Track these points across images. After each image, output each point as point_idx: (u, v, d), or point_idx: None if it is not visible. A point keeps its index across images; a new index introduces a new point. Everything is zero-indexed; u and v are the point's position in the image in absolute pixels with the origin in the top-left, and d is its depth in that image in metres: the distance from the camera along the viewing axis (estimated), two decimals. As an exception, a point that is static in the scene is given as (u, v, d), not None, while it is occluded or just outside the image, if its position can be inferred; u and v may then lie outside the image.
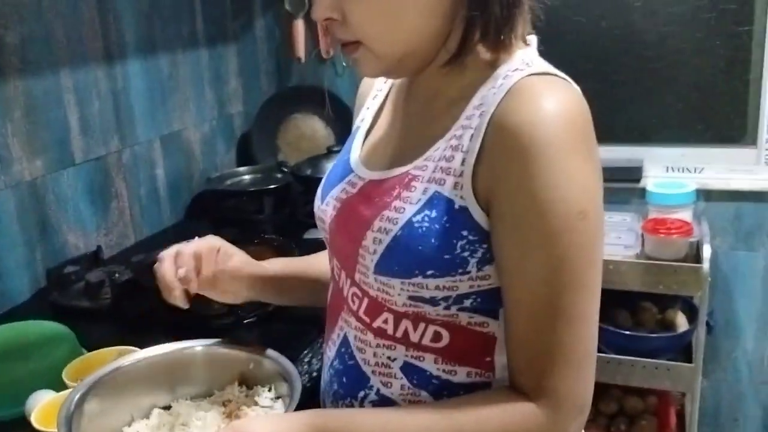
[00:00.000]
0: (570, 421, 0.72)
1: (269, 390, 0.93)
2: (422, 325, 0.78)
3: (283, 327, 1.34)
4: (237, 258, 0.96)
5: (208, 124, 2.07)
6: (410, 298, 0.77)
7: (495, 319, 0.78)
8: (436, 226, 0.73)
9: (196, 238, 0.95)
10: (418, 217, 0.74)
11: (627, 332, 1.82)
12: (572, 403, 0.72)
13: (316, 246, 1.61)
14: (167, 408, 0.93)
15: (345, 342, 0.86)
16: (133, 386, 0.93)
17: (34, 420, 0.99)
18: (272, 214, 1.86)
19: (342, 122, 2.14)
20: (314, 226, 1.81)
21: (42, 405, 1.02)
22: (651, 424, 1.91)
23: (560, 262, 0.70)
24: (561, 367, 0.71)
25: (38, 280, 1.50)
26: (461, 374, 0.79)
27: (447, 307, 0.76)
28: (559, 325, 0.71)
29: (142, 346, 1.14)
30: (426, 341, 0.79)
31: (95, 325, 1.34)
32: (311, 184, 1.84)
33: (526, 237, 0.70)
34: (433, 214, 0.74)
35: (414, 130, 0.83)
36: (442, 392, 0.79)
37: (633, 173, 2.00)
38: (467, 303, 0.76)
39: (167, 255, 0.93)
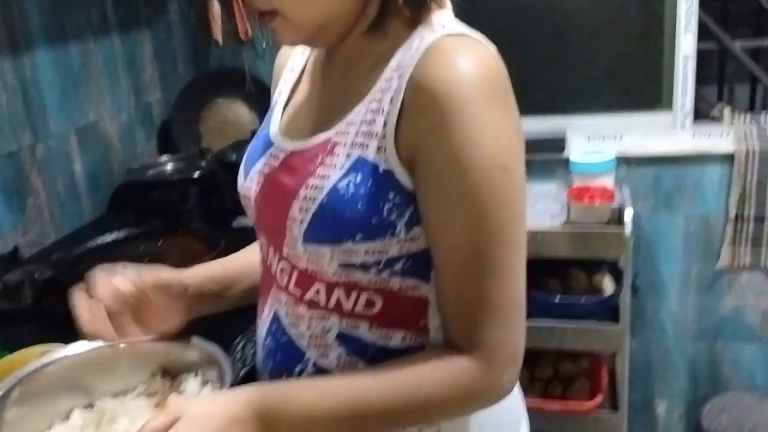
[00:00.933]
0: (503, 371, 0.74)
1: (195, 376, 0.91)
2: (354, 293, 0.78)
3: (214, 316, 1.31)
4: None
5: (126, 113, 2.00)
6: (341, 265, 0.76)
7: (427, 282, 0.78)
8: (362, 190, 0.73)
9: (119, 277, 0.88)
10: (343, 183, 0.74)
11: (557, 298, 1.87)
12: (504, 354, 0.73)
13: (245, 234, 1.59)
14: (89, 407, 0.90)
15: (276, 319, 0.85)
16: (51, 389, 0.89)
17: None
18: (198, 204, 1.81)
19: (266, 105, 2.09)
20: (243, 213, 1.79)
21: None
22: (585, 385, 1.97)
23: (482, 217, 0.71)
24: (490, 319, 0.72)
25: (-48, 285, 1.43)
26: (396, 339, 0.80)
27: (378, 272, 0.76)
28: (485, 278, 0.72)
29: (68, 343, 1.11)
30: (359, 309, 0.79)
31: (17, 327, 1.29)
32: (237, 170, 1.80)
33: (448, 194, 0.71)
34: (358, 178, 0.74)
35: (334, 97, 0.82)
36: (379, 359, 0.79)
37: (556, 144, 2.04)
38: (398, 266, 0.76)
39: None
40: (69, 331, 1.17)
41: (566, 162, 1.97)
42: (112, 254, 1.42)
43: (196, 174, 1.81)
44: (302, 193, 0.77)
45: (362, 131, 0.75)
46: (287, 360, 0.84)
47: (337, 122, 0.78)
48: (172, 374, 0.93)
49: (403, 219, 0.74)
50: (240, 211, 1.69)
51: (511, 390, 0.76)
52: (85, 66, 1.83)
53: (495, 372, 0.73)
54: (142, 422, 0.72)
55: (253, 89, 2.09)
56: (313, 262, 0.78)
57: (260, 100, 2.10)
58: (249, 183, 0.87)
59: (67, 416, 0.89)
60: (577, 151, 1.97)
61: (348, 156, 0.75)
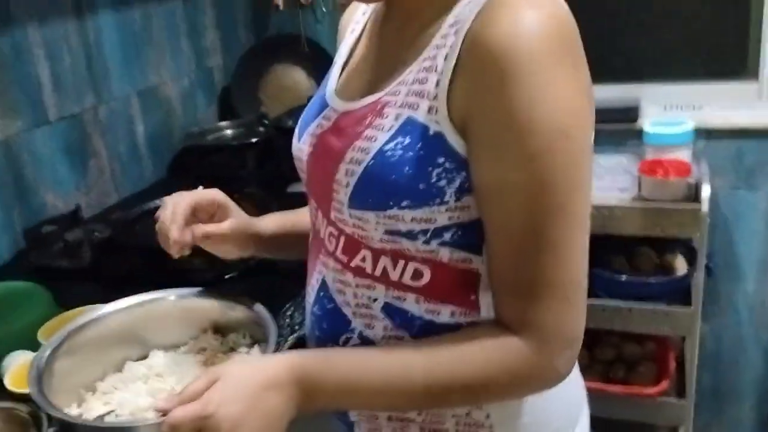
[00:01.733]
0: (556, 354, 0.69)
1: (244, 337, 0.91)
2: (401, 262, 0.74)
3: (265, 281, 1.30)
4: (233, 218, 0.94)
5: (187, 78, 2.00)
6: (387, 232, 0.73)
7: (478, 255, 0.73)
8: (410, 153, 0.69)
9: (201, 188, 0.93)
10: (390, 145, 0.70)
11: (623, 277, 1.78)
12: (559, 336, 0.68)
13: (300, 200, 1.58)
14: (143, 359, 0.91)
15: (324, 286, 0.82)
16: (103, 340, 0.90)
17: (8, 382, 0.98)
18: (255, 169, 1.81)
19: (324, 71, 2.07)
20: (298, 179, 1.78)
21: (16, 366, 1.01)
22: (649, 369, 1.88)
23: (540, 186, 0.65)
24: (545, 298, 0.67)
25: (18, 242, 1.47)
26: (445, 314, 0.75)
27: (426, 242, 0.72)
28: (541, 254, 0.67)
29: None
30: (406, 279, 0.75)
31: (75, 285, 1.32)
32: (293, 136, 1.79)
33: (504, 160, 0.65)
34: (407, 141, 0.69)
35: (388, 57, 0.78)
36: (426, 334, 0.75)
37: (629, 113, 1.94)
38: (447, 237, 0.72)
39: (168, 201, 0.90)
40: (125, 291, 1.20)
41: (639, 133, 1.87)
42: (167, 216, 1.43)
43: (254, 140, 1.81)
44: (349, 155, 0.73)
45: (413, 91, 0.70)
46: (333, 328, 0.81)
47: (389, 82, 0.74)
48: (222, 332, 0.93)
49: (452, 186, 0.69)
50: (295, 177, 1.70)
51: (566, 375, 0.71)
52: (147, 30, 1.84)
53: (548, 355, 0.68)
54: (189, 381, 0.71)
55: (311, 54, 2.06)
56: (359, 228, 0.75)
57: (318, 65, 2.07)
58: (302, 145, 0.84)
59: (120, 367, 0.90)
60: (651, 121, 1.86)
61: (397, 117, 0.71)
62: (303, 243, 0.97)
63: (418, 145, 0.69)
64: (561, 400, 0.81)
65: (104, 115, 1.70)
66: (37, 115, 1.52)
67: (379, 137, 0.71)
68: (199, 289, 0.97)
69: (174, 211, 0.88)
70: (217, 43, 2.12)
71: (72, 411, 0.81)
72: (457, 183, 0.69)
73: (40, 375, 0.81)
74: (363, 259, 0.77)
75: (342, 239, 0.78)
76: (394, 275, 0.75)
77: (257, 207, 1.40)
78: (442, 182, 0.69)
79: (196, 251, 1.29)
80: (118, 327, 0.92)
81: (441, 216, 0.70)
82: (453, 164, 0.69)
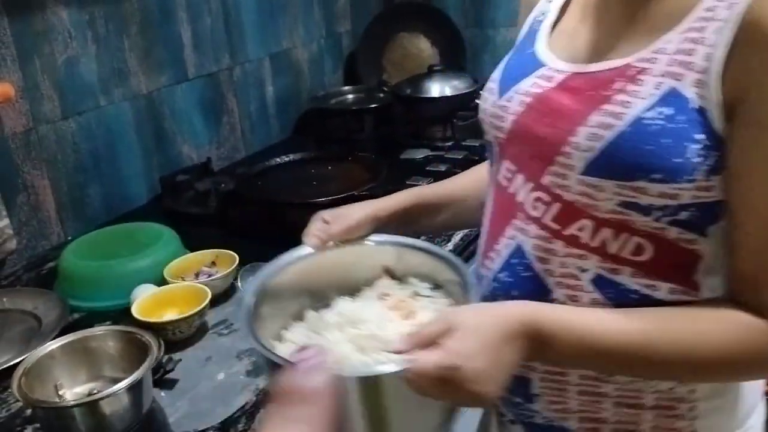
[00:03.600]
0: None
1: (421, 280, 0.85)
2: (624, 236, 0.72)
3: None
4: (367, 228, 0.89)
5: (316, 43, 2.09)
6: (621, 204, 0.70)
7: (704, 237, 0.71)
8: (670, 125, 0.67)
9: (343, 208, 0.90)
10: (651, 114, 0.68)
11: None
12: None
13: (413, 165, 1.64)
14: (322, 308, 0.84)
15: (518, 252, 0.79)
16: (285, 290, 0.85)
17: (135, 310, 1.08)
18: (372, 133, 1.88)
19: (447, 40, 2.10)
20: (413, 146, 1.82)
21: (143, 298, 1.12)
22: None
23: None
24: None
25: (155, 187, 1.62)
26: (663, 290, 0.73)
27: (658, 219, 0.70)
28: None
29: (239, 251, 1.22)
30: (626, 253, 0.72)
31: (201, 230, 1.44)
32: (411, 103, 1.85)
33: None
34: (668, 111, 0.68)
35: (624, 20, 0.76)
36: (632, 305, 0.73)
37: None
38: (682, 215, 0.70)
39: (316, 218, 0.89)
40: (243, 241, 1.31)
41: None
42: (286, 173, 1.54)
43: (373, 105, 1.88)
44: (594, 118, 0.71)
45: (677, 61, 0.69)
46: (527, 297, 0.76)
47: (636, 48, 0.72)
48: (397, 277, 0.88)
49: (705, 165, 0.67)
50: (411, 144, 1.76)
51: None
52: (283, -5, 1.94)
53: None
54: (391, 325, 0.72)
55: (436, 23, 2.08)
56: (586, 196, 0.72)
57: (443, 34, 2.09)
58: (506, 102, 0.81)
59: (298, 316, 0.84)
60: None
61: (658, 86, 0.69)
62: (447, 212, 0.97)
63: (680, 118, 0.67)
64: (755, 382, 0.82)
65: (238, 76, 1.82)
66: (177, 73, 1.66)
67: (635, 104, 0.69)
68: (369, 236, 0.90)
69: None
70: (347, 9, 2.20)
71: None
72: (710, 162, 0.67)
73: (251, 319, 0.76)
74: (580, 229, 0.74)
75: (556, 206, 0.75)
76: (612, 248, 0.73)
77: (367, 170, 1.47)
78: (696, 159, 0.67)
79: (311, 210, 1.38)
80: (295, 276, 0.86)
81: (685, 194, 0.68)
82: (710, 142, 0.67)
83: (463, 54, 2.10)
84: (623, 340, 0.69)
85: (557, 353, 0.69)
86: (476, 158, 1.69)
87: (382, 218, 0.89)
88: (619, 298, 0.73)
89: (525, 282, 0.78)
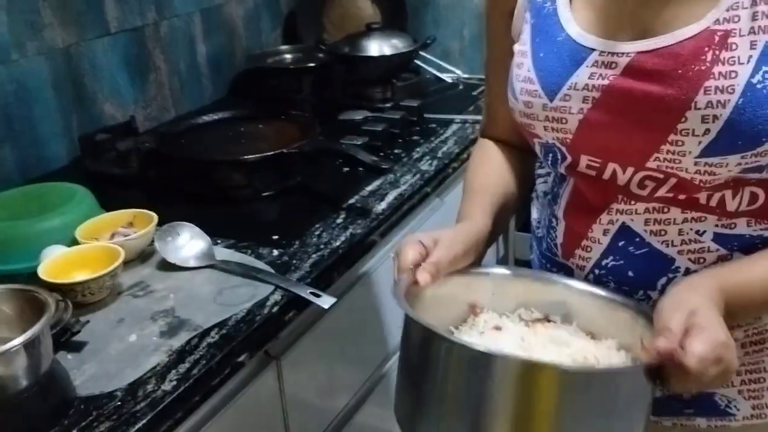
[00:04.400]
0: None
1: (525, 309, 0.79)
2: (741, 191, 0.73)
3: (301, 200, 1.32)
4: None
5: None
6: (743, 171, 0.70)
7: None
8: None
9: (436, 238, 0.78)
10: (758, 77, 0.66)
11: None
12: None
13: (351, 127, 1.59)
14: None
15: (624, 233, 0.77)
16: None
17: (42, 272, 1.01)
18: (311, 94, 1.82)
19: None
20: (352, 107, 1.77)
21: (51, 259, 1.05)
22: None
23: None
24: None
25: (76, 147, 1.53)
26: None
27: None
28: None
29: (161, 212, 1.16)
30: (743, 206, 0.73)
31: (122, 192, 1.37)
32: (350, 63, 1.79)
33: None
34: None
35: None
36: (757, 248, 0.74)
37: None
38: None
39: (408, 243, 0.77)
40: (165, 202, 1.24)
41: None
42: (213, 132, 1.47)
43: (311, 65, 1.82)
44: (702, 99, 0.67)
45: (761, 12, 0.66)
46: (648, 273, 0.77)
47: (701, 10, 0.68)
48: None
49: None
50: (350, 105, 1.71)
51: None
52: (214, -54, 1.84)
53: None
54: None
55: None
56: (705, 174, 0.70)
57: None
58: (562, 102, 0.75)
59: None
60: None
61: (752, 44, 0.66)
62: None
63: None
64: None
65: (165, 31, 1.73)
66: (98, 26, 1.56)
67: (740, 71, 0.66)
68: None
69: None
70: (284, -34, 2.11)
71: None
72: None
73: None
74: (697, 195, 0.73)
75: (668, 183, 0.73)
76: (731, 206, 0.73)
77: (300, 128, 1.42)
78: None
79: (238, 169, 1.33)
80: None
81: None
82: None
83: (403, 13, 2.05)
84: None
85: (735, 316, 0.69)
86: (414, 119, 1.65)
87: (483, 242, 0.81)
88: (742, 246, 0.74)
89: (641, 259, 0.77)
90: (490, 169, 0.92)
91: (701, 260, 0.75)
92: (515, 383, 0.61)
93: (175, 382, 0.85)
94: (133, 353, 0.91)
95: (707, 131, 0.67)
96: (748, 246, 0.75)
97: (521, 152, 0.93)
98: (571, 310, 0.77)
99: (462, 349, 0.64)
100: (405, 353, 0.71)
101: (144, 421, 0.80)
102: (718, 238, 0.74)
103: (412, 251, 0.73)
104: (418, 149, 1.51)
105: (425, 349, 0.67)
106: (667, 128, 0.69)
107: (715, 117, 0.66)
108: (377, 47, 1.76)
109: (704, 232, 0.74)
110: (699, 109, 0.67)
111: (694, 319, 0.62)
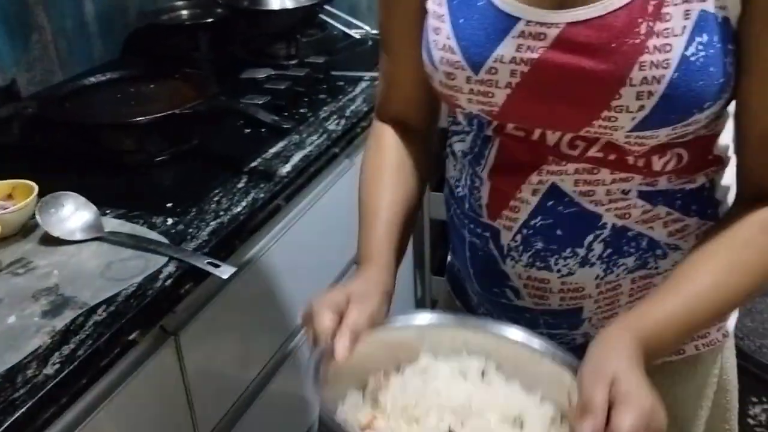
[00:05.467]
0: None
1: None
2: (668, 153, 0.73)
3: (198, 165, 1.25)
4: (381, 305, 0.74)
5: (143, -50, 1.88)
6: (673, 138, 0.71)
7: (719, 118, 0.75)
8: (711, 51, 0.65)
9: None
10: (691, 49, 0.64)
11: None
12: None
13: (254, 85, 1.51)
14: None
15: (553, 192, 0.76)
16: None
17: None
18: (210, 51, 1.73)
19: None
20: (255, 65, 1.69)
21: None
22: None
23: None
24: None
25: (-47, 116, 1.40)
26: (699, 180, 0.78)
27: (698, 130, 0.71)
28: None
29: (44, 182, 1.07)
30: (668, 167, 0.75)
31: (2, 161, 1.25)
32: (250, 17, 1.70)
33: None
34: (704, 38, 0.64)
35: None
36: (686, 203, 0.77)
37: None
38: (717, 115, 0.72)
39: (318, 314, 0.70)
40: (52, 170, 1.15)
41: None
42: (101, 93, 1.37)
43: (209, 20, 1.72)
44: (638, 75, 0.65)
45: None
46: (575, 232, 0.77)
47: None
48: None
49: (735, 69, 0.67)
50: (251, 62, 1.63)
51: None
52: None
53: None
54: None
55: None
56: (636, 145, 0.71)
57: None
58: (490, 75, 0.71)
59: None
60: None
61: (686, 14, 0.64)
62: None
63: (715, 39, 0.65)
64: None
65: (47, -13, 1.59)
66: (-33, -19, 1.42)
67: (674, 44, 0.64)
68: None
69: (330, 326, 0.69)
70: None
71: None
72: (736, 64, 0.67)
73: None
74: (627, 154, 0.73)
75: (599, 143, 0.72)
76: (657, 166, 0.74)
77: (195, 88, 1.34)
78: (731, 68, 0.67)
79: (128, 132, 1.24)
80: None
81: (724, 103, 0.70)
82: (735, 47, 0.66)
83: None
84: (713, 312, 0.71)
85: (661, 353, 0.70)
86: (320, 76, 1.59)
87: (393, 283, 0.77)
88: (666, 200, 0.76)
89: (569, 218, 0.77)
90: (389, 179, 0.86)
91: (627, 215, 0.76)
92: None
93: (58, 365, 0.79)
94: (11, 336, 0.84)
95: (641, 107, 0.66)
96: (669, 198, 0.76)
97: (423, 136, 0.90)
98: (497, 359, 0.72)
99: None
100: None
101: (23, 410, 0.74)
102: (642, 195, 0.75)
103: (327, 319, 0.68)
104: (324, 108, 1.46)
105: None
106: (600, 105, 0.67)
107: (650, 93, 0.65)
108: (279, 0, 1.68)
109: (630, 190, 0.75)
110: (634, 85, 0.65)
111: (617, 387, 0.60)
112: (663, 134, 0.69)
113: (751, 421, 1.74)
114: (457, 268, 0.94)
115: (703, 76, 0.65)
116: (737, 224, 0.73)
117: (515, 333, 0.72)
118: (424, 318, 0.75)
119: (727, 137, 0.79)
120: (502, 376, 0.71)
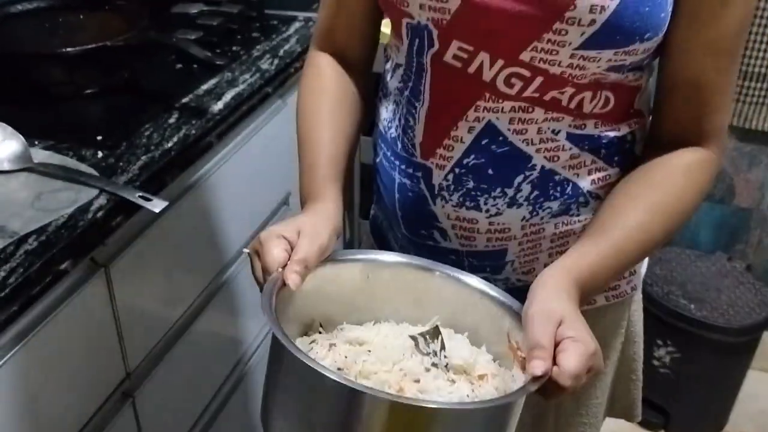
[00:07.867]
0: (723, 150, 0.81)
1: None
2: (598, 94, 0.77)
3: (128, 99, 1.24)
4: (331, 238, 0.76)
5: None
6: (609, 69, 0.74)
7: (646, 71, 0.80)
8: None
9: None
10: None
11: None
12: (725, 133, 0.80)
13: (186, 20, 1.48)
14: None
15: (488, 131, 0.78)
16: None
17: None
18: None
19: None
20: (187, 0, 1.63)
21: None
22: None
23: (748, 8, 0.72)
24: (727, 103, 0.78)
25: None
26: (623, 129, 0.81)
27: (627, 72, 0.76)
28: (732, 64, 0.76)
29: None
30: (597, 109, 0.78)
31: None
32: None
33: None
34: None
35: None
36: (611, 151, 0.81)
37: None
38: (645, 62, 0.77)
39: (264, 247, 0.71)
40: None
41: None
42: (24, 23, 1.32)
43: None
44: None
45: None
46: (506, 172, 0.80)
47: None
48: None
49: (671, 10, 0.71)
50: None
51: None
52: None
53: (722, 153, 0.80)
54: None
55: None
56: (577, 68, 0.73)
57: None
58: None
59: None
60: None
61: None
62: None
63: None
64: None
65: None
66: None
67: None
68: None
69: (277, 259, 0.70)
70: None
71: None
72: (671, 6, 0.71)
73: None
74: (561, 93, 0.76)
75: (537, 79, 0.74)
76: (587, 107, 0.77)
77: (126, 20, 1.31)
78: (670, 7, 0.71)
79: (56, 63, 1.21)
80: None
81: (658, 41, 0.73)
82: None
83: None
84: (640, 251, 0.77)
85: (596, 292, 0.78)
86: (253, 14, 1.57)
87: (341, 219, 0.79)
88: (592, 145, 0.80)
89: (501, 157, 0.79)
90: (330, 111, 0.86)
91: (555, 158, 0.79)
92: (385, 424, 0.59)
93: (-12, 293, 0.80)
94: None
95: (593, 22, 0.68)
96: (595, 144, 0.80)
97: (359, 71, 0.91)
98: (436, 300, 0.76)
99: (334, 385, 0.59)
100: (274, 375, 0.66)
101: (-47, 335, 0.75)
102: (570, 137, 0.78)
103: (277, 249, 0.69)
104: (258, 47, 1.45)
105: (297, 376, 0.63)
106: (554, 15, 0.69)
107: (603, 8, 0.68)
108: (213, -66, 1.63)
109: (559, 131, 0.78)
110: (582, 5, 0.68)
111: (563, 329, 0.65)
112: (605, 58, 0.71)
113: (656, 362, 1.87)
114: (381, 219, 0.96)
115: (649, 3, 0.69)
116: (658, 168, 0.78)
117: (453, 273, 0.76)
118: (370, 254, 0.79)
119: (647, 96, 0.84)
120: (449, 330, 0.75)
